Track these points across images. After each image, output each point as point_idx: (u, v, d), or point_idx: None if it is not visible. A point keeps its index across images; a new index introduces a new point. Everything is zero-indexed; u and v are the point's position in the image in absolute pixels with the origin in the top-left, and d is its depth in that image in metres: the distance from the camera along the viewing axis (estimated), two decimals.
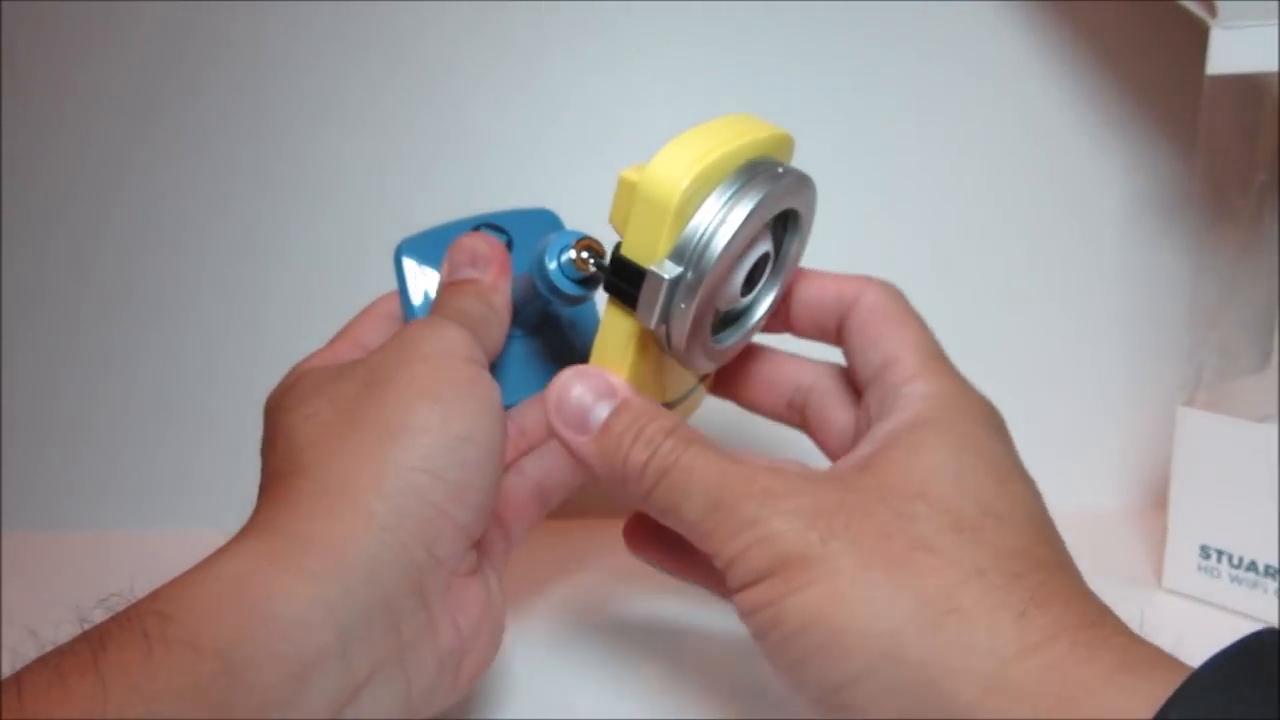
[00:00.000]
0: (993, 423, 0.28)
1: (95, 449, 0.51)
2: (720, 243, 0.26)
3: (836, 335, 0.32)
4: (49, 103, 0.49)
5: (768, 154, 0.28)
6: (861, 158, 0.49)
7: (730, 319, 0.31)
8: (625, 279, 0.27)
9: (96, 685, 0.21)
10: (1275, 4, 0.34)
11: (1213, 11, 0.36)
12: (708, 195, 0.26)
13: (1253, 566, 0.38)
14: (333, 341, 0.33)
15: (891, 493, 0.25)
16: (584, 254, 0.30)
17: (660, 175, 0.26)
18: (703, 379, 0.34)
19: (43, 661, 0.22)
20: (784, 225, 0.30)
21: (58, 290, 0.50)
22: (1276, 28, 0.34)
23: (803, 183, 0.29)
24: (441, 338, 0.28)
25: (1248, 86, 0.40)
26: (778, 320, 0.33)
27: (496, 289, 0.32)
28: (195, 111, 0.48)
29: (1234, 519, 0.38)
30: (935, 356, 0.29)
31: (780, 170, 0.27)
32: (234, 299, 0.50)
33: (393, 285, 0.34)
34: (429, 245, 0.34)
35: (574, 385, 0.28)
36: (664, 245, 0.26)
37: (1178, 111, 0.47)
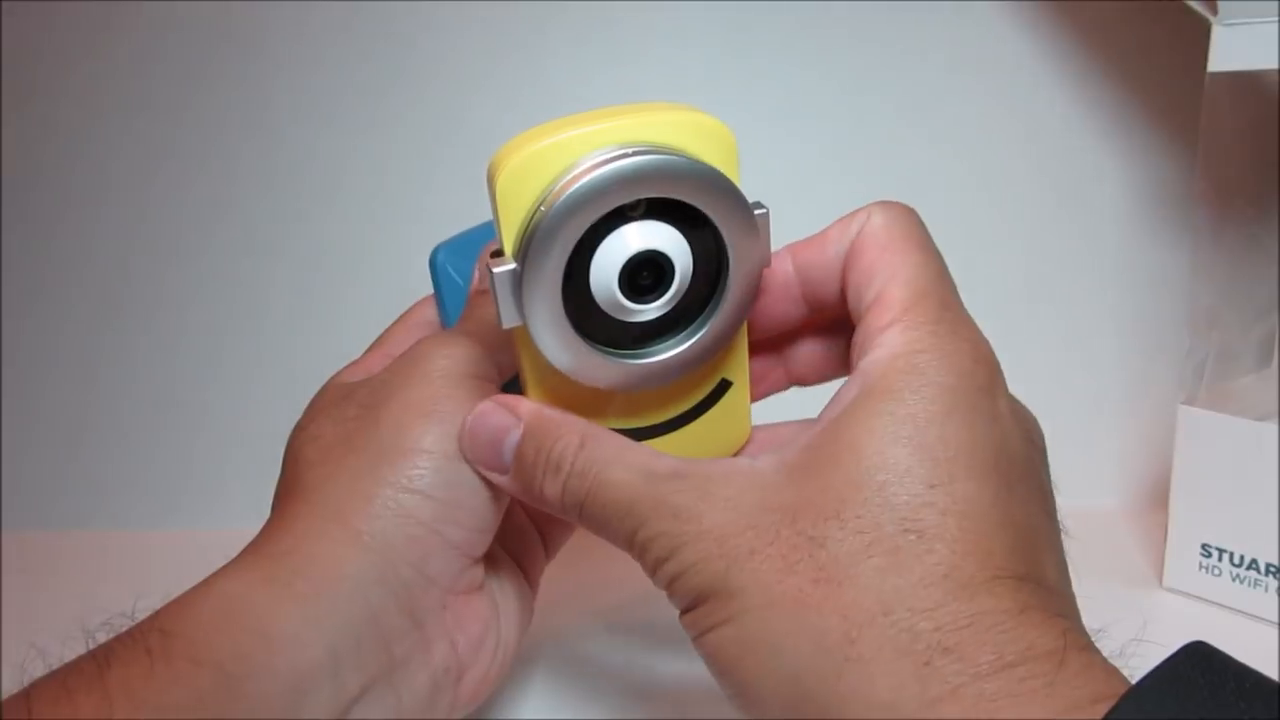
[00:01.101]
0: (963, 389, 0.23)
1: (95, 449, 0.51)
2: (545, 229, 0.24)
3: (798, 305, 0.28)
4: (50, 102, 0.48)
5: (655, 141, 0.25)
6: (861, 157, 0.49)
7: (661, 329, 0.27)
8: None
9: (102, 700, 0.21)
10: (1276, 2, 0.34)
11: (1214, 9, 0.36)
12: (546, 185, 0.24)
13: (1254, 565, 0.38)
14: (367, 353, 0.33)
15: (806, 509, 0.22)
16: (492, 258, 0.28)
17: (505, 163, 0.25)
18: (713, 398, 0.29)
19: (50, 677, 0.23)
20: (697, 228, 0.26)
21: (58, 290, 0.50)
22: (1277, 25, 0.34)
23: (681, 171, 0.25)
24: (447, 354, 0.28)
25: (1249, 84, 0.40)
26: (790, 314, 0.29)
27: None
28: (196, 111, 0.48)
29: (1235, 518, 0.38)
30: (925, 295, 0.25)
31: (628, 153, 0.24)
32: (234, 298, 0.50)
33: (405, 288, 0.34)
34: (465, 248, 0.34)
35: (480, 420, 0.27)
36: (507, 243, 0.25)
37: (1179, 110, 0.47)
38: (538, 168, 0.24)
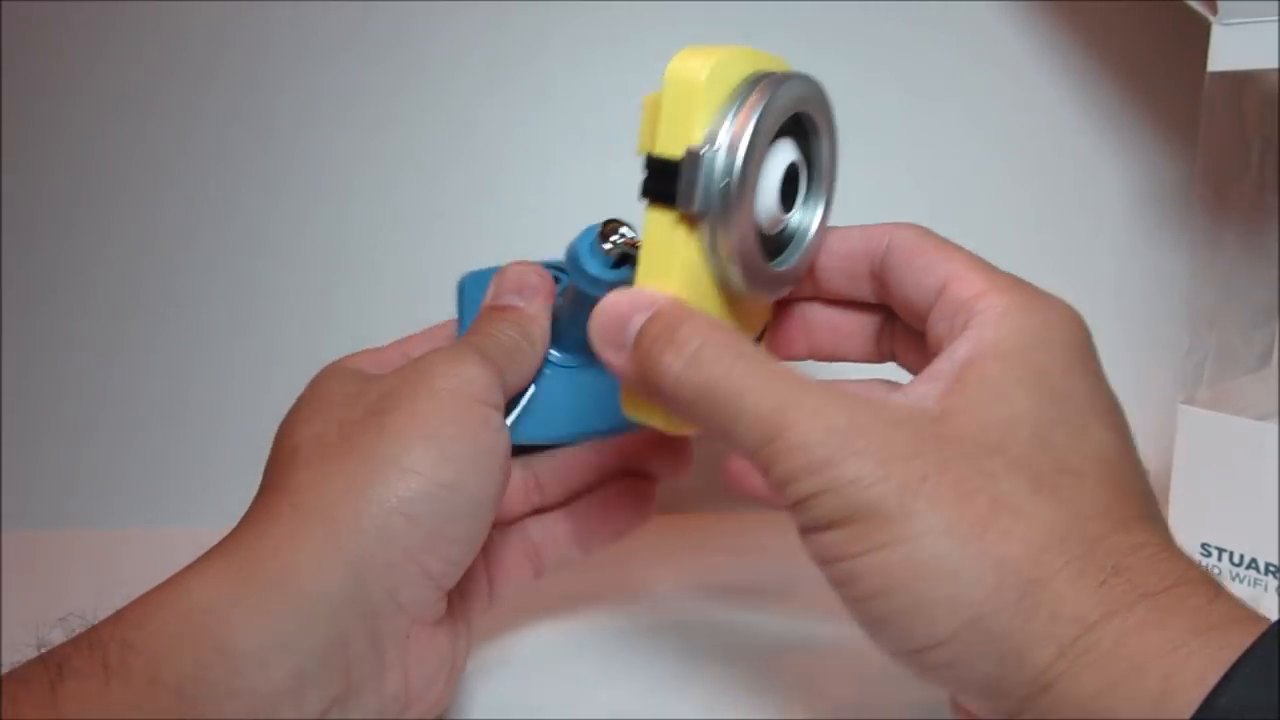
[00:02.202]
0: (1072, 344, 0.25)
1: (97, 447, 0.51)
2: (749, 119, 0.25)
3: (871, 284, 0.30)
4: (56, 101, 0.48)
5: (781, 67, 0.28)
6: (860, 156, 0.49)
7: (780, 245, 0.29)
8: (661, 177, 0.26)
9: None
10: (1276, 2, 0.34)
11: (1214, 9, 0.36)
12: (728, 87, 0.26)
13: (1253, 564, 0.38)
14: (386, 346, 0.33)
15: (970, 445, 0.23)
16: (612, 235, 0.30)
17: (683, 65, 0.25)
18: (759, 339, 0.31)
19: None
20: (805, 136, 0.29)
21: (61, 288, 0.50)
22: (1278, 25, 0.34)
23: (811, 85, 0.28)
24: (457, 374, 0.28)
25: (1249, 84, 0.40)
26: (804, 286, 0.31)
27: (536, 320, 0.31)
28: (202, 111, 0.48)
29: (1234, 517, 0.38)
30: (996, 271, 0.27)
31: (786, 73, 0.27)
32: (238, 298, 0.50)
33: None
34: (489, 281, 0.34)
35: (613, 301, 0.26)
36: (697, 131, 0.25)
37: (1178, 110, 0.47)
38: (729, 69, 0.26)
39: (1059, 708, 0.21)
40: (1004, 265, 0.52)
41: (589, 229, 0.30)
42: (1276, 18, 0.34)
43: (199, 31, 0.48)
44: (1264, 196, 0.41)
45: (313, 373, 0.31)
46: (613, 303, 0.26)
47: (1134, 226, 0.49)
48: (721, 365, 0.24)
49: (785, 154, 0.27)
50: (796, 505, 0.23)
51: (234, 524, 0.27)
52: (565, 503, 0.34)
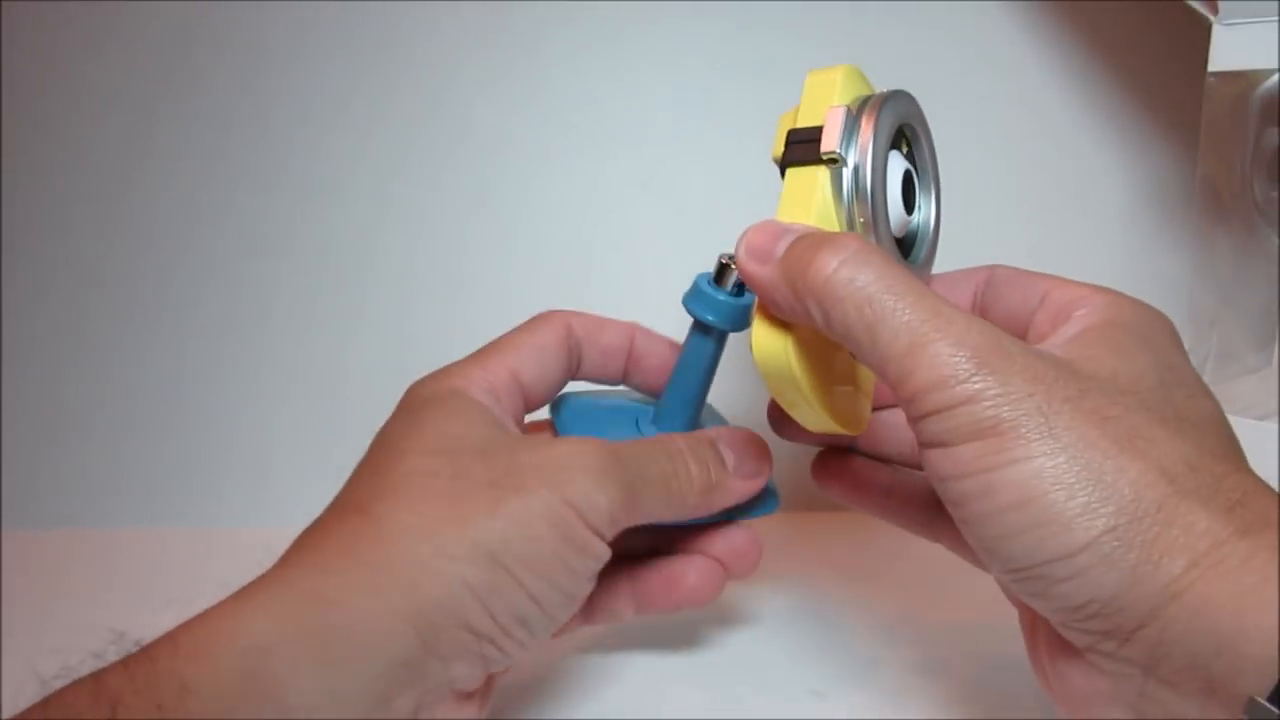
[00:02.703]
0: (1170, 331, 0.28)
1: (98, 447, 0.51)
2: (872, 117, 0.28)
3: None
4: (54, 101, 0.48)
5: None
6: None
7: (908, 248, 0.31)
8: (802, 141, 0.28)
9: None
10: (1276, 2, 0.34)
11: (1214, 9, 0.36)
12: (854, 92, 0.29)
13: None
14: (486, 353, 0.31)
15: (1104, 381, 0.24)
16: (723, 264, 0.31)
17: (820, 73, 0.30)
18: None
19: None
20: (907, 146, 0.32)
21: (61, 288, 0.50)
22: (1278, 25, 0.34)
23: (910, 99, 0.32)
24: (589, 497, 0.27)
25: (1249, 84, 0.40)
26: None
27: (718, 487, 0.31)
28: (200, 111, 0.48)
29: None
30: (1087, 283, 0.29)
31: (892, 90, 0.30)
32: (236, 299, 0.50)
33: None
34: (584, 409, 0.34)
35: (760, 227, 0.27)
36: (836, 103, 0.28)
37: (1179, 110, 0.47)
38: (853, 77, 0.30)
39: (1185, 617, 0.21)
40: (1005, 264, 0.52)
41: (697, 278, 0.32)
42: (1276, 18, 0.34)
43: (196, 32, 0.48)
44: (1264, 197, 0.41)
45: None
46: (766, 224, 0.27)
47: (1134, 227, 0.49)
48: (875, 267, 0.25)
49: (898, 164, 0.30)
50: (933, 415, 0.23)
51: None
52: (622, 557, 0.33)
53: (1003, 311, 0.30)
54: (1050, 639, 0.25)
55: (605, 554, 0.27)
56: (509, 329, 0.33)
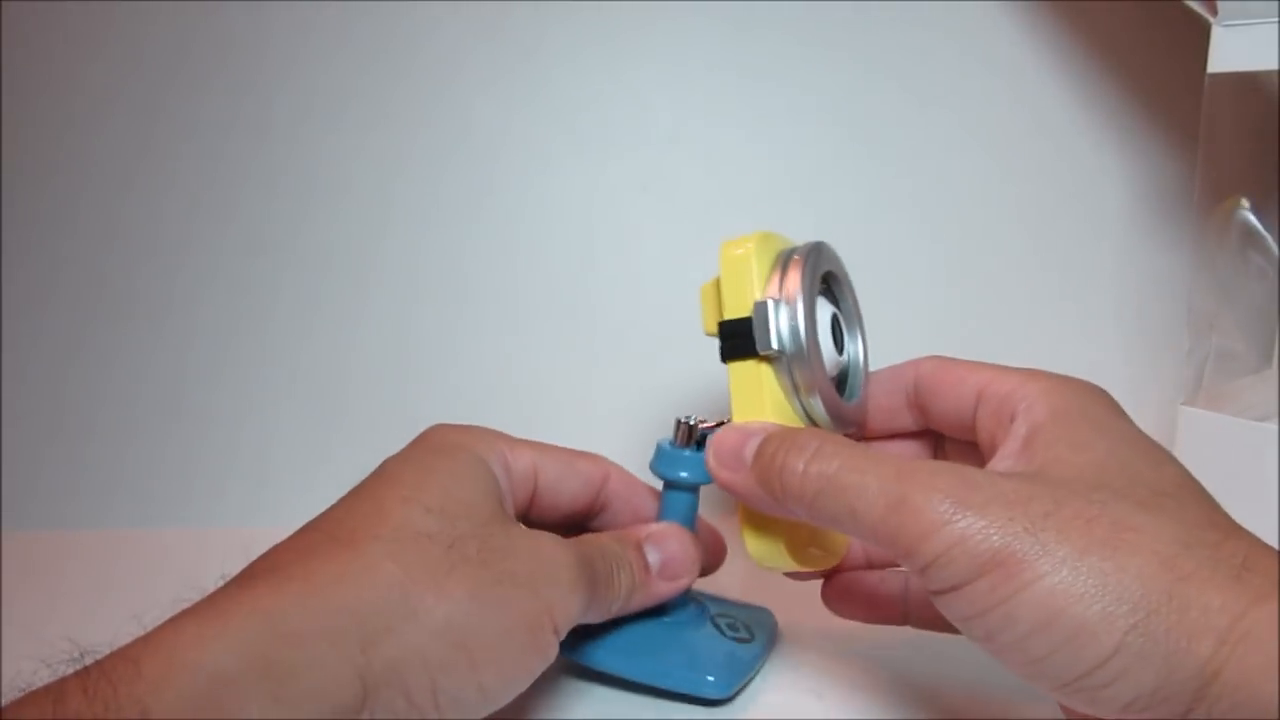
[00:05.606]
0: (1110, 404, 0.29)
1: (97, 448, 0.51)
2: (798, 273, 0.30)
3: (912, 414, 0.33)
4: (56, 101, 0.48)
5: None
6: (861, 158, 0.49)
7: (840, 385, 0.33)
8: (736, 335, 0.30)
9: None
10: (1276, 3, 0.34)
11: (1214, 9, 0.36)
12: (770, 257, 0.31)
13: None
14: (520, 443, 0.32)
15: (1073, 484, 0.25)
16: (682, 425, 0.33)
17: (730, 250, 0.31)
18: None
19: None
20: (830, 290, 0.34)
21: (61, 288, 0.50)
22: (1278, 26, 0.34)
23: (827, 247, 0.33)
24: (566, 608, 0.28)
25: (1249, 85, 0.40)
26: (857, 430, 0.33)
27: (649, 587, 0.32)
28: (201, 112, 0.48)
29: (1235, 518, 0.38)
30: (1019, 369, 0.30)
31: (811, 243, 0.32)
32: (238, 299, 0.50)
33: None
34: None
35: (724, 435, 0.30)
36: (757, 291, 0.30)
37: (1179, 110, 0.47)
38: (765, 244, 0.31)
39: (1229, 693, 0.22)
40: (1004, 266, 0.52)
41: (659, 442, 0.33)
42: (1276, 18, 0.34)
43: (198, 32, 0.48)
44: (1264, 197, 0.41)
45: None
46: (726, 433, 0.30)
47: (1134, 228, 0.49)
48: (840, 456, 0.27)
49: (825, 310, 0.32)
50: (931, 567, 0.24)
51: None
52: None
53: (940, 412, 0.32)
54: None
55: (554, 657, 0.28)
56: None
